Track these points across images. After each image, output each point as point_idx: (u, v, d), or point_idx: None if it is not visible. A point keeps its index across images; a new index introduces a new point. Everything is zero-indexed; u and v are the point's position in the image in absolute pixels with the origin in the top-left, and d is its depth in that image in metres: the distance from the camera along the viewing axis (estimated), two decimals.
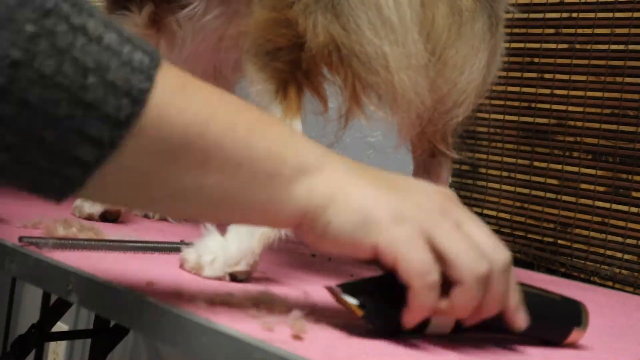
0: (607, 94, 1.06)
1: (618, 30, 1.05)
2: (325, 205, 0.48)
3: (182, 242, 0.79)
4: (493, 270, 0.48)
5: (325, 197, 0.49)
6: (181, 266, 0.66)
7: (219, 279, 0.63)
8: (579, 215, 1.08)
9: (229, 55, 0.98)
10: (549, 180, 1.12)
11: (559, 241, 1.11)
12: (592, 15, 1.08)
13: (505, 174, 1.18)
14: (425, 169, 0.77)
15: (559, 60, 1.11)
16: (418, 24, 0.65)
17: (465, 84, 0.69)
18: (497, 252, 0.49)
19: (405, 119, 0.67)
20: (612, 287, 1.03)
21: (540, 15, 1.13)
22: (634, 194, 1.03)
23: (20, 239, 0.67)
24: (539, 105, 1.14)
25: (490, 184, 1.20)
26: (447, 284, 0.48)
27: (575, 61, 1.10)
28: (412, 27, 0.64)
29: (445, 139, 0.75)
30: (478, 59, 0.70)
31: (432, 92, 0.68)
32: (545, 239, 1.12)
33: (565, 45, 1.11)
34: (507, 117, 1.18)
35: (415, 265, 0.47)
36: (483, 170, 1.21)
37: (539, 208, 1.13)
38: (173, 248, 0.75)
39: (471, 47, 0.69)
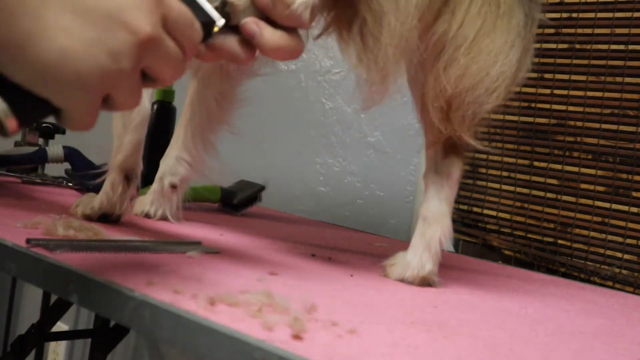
0: (607, 94, 1.06)
1: (618, 30, 1.05)
2: None
3: (182, 242, 0.79)
4: None
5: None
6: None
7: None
8: (579, 215, 1.09)
9: None
10: (549, 180, 1.12)
11: (559, 241, 1.11)
12: (592, 15, 1.08)
13: (505, 174, 1.18)
14: (436, 169, 0.77)
15: (559, 60, 1.11)
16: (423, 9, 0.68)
17: (497, 74, 0.72)
18: None
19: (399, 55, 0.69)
20: (612, 287, 1.03)
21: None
22: (634, 194, 1.03)
23: (28, 241, 0.67)
24: (539, 105, 1.14)
25: (490, 184, 1.20)
26: None
27: (575, 61, 1.10)
28: (414, 13, 0.66)
29: (470, 127, 0.75)
30: (512, 52, 0.72)
31: (465, 78, 0.71)
32: (545, 239, 1.12)
33: (565, 45, 1.11)
34: (507, 117, 1.18)
35: None
36: (483, 170, 1.21)
37: (539, 208, 1.13)
38: (173, 248, 0.75)
39: (505, 41, 0.72)
